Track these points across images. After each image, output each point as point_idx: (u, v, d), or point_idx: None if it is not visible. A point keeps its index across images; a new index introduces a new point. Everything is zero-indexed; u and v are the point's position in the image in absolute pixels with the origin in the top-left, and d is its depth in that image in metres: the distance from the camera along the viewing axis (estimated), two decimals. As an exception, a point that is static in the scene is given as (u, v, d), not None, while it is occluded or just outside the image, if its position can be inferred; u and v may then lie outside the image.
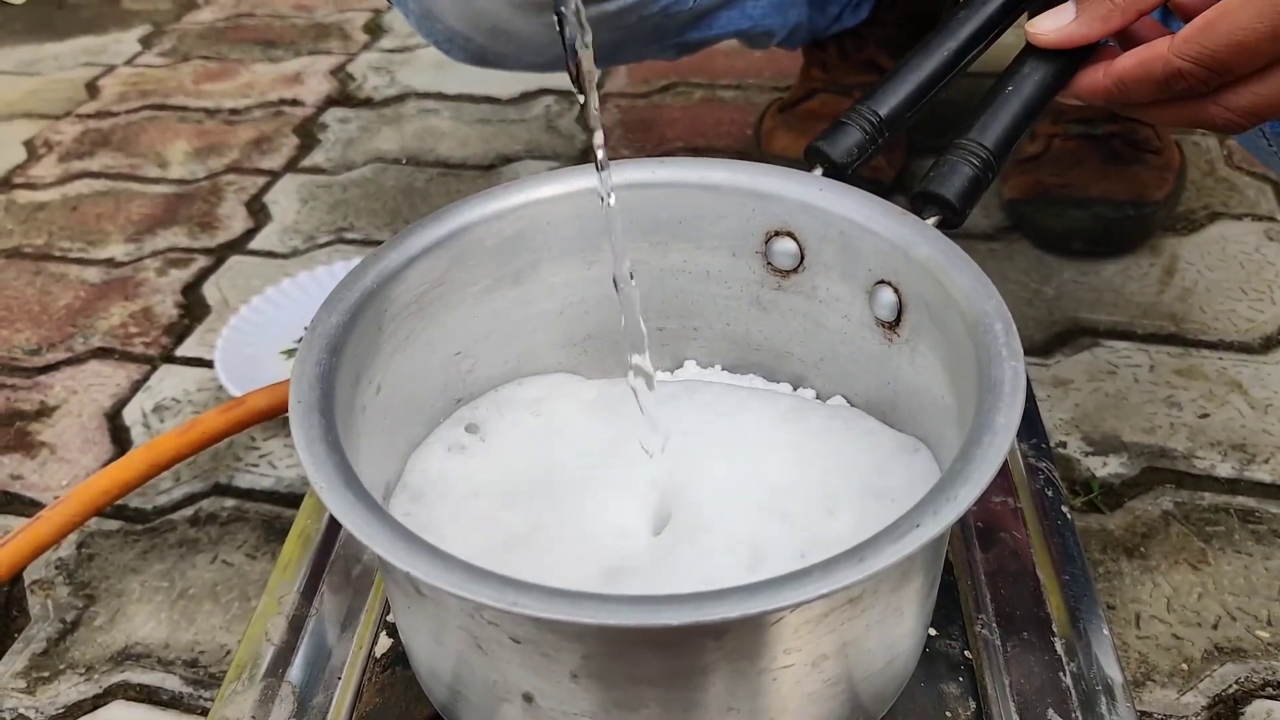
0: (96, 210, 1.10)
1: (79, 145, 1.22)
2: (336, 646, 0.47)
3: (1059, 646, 0.45)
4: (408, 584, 0.34)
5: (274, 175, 1.14)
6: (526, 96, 1.23)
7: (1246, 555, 0.65)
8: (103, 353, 0.89)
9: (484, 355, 0.47)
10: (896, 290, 0.42)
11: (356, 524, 0.31)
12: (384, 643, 0.46)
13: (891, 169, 0.95)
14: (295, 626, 0.48)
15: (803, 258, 0.46)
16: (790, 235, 0.45)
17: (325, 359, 0.37)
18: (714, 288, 0.48)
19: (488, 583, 0.29)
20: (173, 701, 0.62)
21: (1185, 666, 0.59)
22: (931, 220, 0.42)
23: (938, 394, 0.41)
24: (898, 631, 0.36)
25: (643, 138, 1.13)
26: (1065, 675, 0.44)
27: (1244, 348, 0.81)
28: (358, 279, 0.41)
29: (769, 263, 0.47)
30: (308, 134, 1.21)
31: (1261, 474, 0.71)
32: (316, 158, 1.17)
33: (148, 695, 0.62)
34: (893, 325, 0.43)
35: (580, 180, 0.46)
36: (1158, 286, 0.87)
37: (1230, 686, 0.58)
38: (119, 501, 0.72)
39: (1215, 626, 0.61)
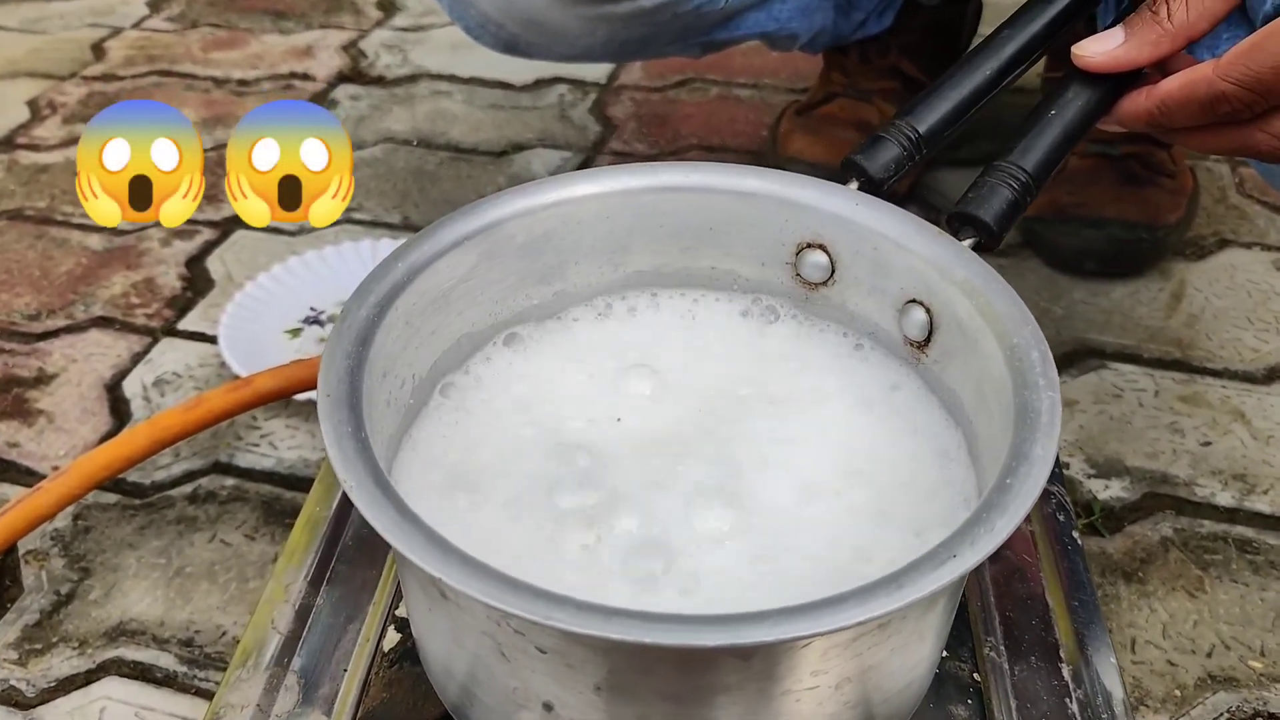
0: (100, 175, 1.08)
1: (84, 108, 1.21)
2: (343, 638, 0.46)
3: (1066, 672, 0.45)
4: (432, 586, 0.34)
5: (282, 149, 1.12)
6: (540, 84, 1.22)
7: (1243, 585, 0.66)
8: (103, 322, 0.88)
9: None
10: (928, 310, 0.42)
11: (386, 526, 0.30)
12: (392, 637, 0.46)
13: (906, 179, 0.95)
14: (301, 615, 0.48)
15: (833, 271, 0.45)
16: (822, 248, 0.45)
17: (355, 352, 0.37)
18: (740, 296, 0.48)
19: (521, 594, 0.28)
20: (166, 680, 0.61)
21: (1178, 693, 0.60)
22: (968, 242, 0.42)
23: (966, 417, 0.41)
24: (918, 655, 0.36)
25: (657, 133, 1.12)
26: (1072, 702, 0.44)
27: (1248, 377, 0.81)
28: (387, 271, 0.41)
29: (799, 274, 0.46)
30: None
31: (1261, 505, 0.71)
32: (326, 134, 1.15)
33: (141, 673, 0.62)
34: (922, 345, 0.43)
35: (613, 181, 0.46)
36: (1165, 311, 0.87)
37: (1221, 715, 0.59)
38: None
39: (1209, 655, 0.62)
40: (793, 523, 0.37)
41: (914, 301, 0.43)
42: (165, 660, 0.62)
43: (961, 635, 0.46)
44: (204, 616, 0.65)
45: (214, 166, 1.11)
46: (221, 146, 1.12)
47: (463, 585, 0.29)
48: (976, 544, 0.29)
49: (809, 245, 0.45)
